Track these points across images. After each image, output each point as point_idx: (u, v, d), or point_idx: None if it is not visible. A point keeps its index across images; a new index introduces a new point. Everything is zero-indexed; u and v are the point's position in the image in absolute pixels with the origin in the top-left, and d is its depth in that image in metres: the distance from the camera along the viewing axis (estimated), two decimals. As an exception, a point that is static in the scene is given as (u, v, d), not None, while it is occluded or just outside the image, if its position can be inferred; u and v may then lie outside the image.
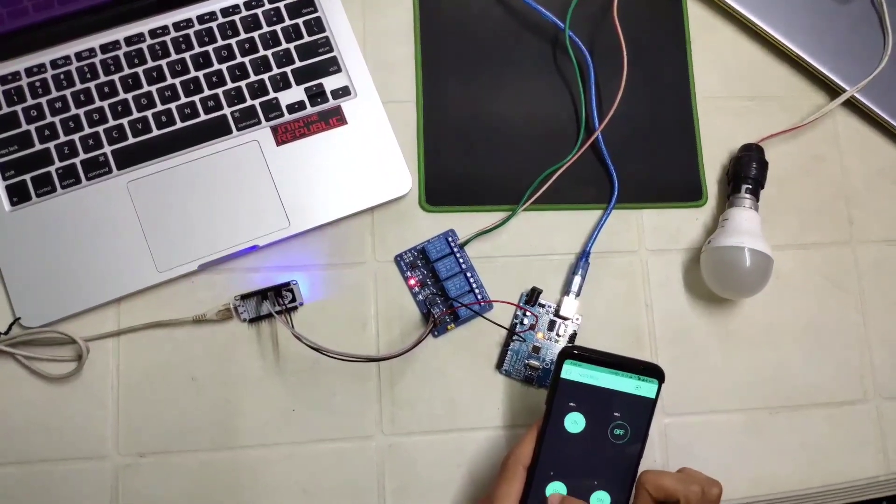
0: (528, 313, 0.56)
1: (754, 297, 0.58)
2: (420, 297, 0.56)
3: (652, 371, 0.47)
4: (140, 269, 0.53)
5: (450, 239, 0.57)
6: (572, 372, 0.47)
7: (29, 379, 0.52)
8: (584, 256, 0.57)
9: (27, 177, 0.54)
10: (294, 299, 0.54)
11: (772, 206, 0.60)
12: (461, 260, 0.56)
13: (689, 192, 0.60)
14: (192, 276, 0.54)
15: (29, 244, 0.53)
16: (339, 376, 0.54)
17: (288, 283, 0.54)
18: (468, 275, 0.56)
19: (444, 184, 0.58)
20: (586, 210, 0.59)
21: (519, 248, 0.58)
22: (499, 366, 0.56)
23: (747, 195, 0.58)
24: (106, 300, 0.53)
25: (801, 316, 0.60)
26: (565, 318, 0.56)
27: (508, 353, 0.56)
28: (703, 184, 0.61)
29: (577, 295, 0.57)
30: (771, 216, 0.60)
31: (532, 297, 0.57)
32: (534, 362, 0.55)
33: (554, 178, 0.58)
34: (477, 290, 0.56)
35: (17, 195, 0.54)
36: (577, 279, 0.57)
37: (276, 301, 0.53)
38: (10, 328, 0.52)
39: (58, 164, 0.54)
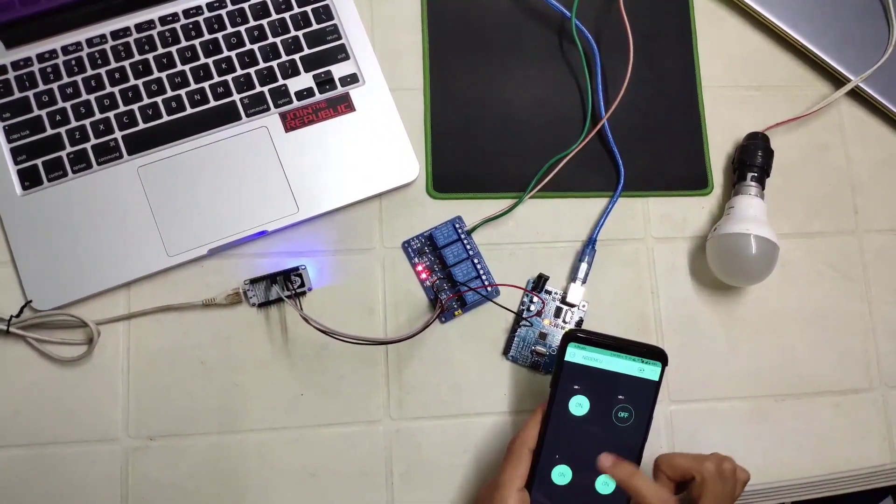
0: (535, 299, 0.57)
1: (760, 285, 0.58)
2: (427, 283, 0.56)
3: (655, 353, 0.47)
4: (150, 253, 0.54)
5: (457, 225, 0.57)
6: (576, 355, 0.47)
7: (40, 362, 0.53)
8: (590, 244, 0.58)
9: (39, 161, 0.55)
10: (303, 284, 0.54)
11: (777, 195, 0.61)
12: (468, 246, 0.57)
13: (695, 181, 0.61)
14: (202, 261, 0.55)
15: (40, 228, 0.54)
16: (346, 361, 0.55)
17: (297, 269, 0.54)
18: (475, 261, 0.56)
19: (451, 171, 0.58)
20: (592, 198, 0.59)
21: (525, 236, 0.58)
22: (505, 352, 0.56)
23: (753, 183, 0.58)
24: (116, 284, 0.53)
25: (807, 304, 0.60)
26: (572, 305, 0.57)
27: (515, 339, 0.56)
28: (708, 172, 0.61)
29: (584, 282, 0.57)
30: (776, 205, 0.60)
31: (539, 283, 0.57)
32: (540, 348, 0.56)
33: (560, 165, 0.58)
34: (484, 276, 0.56)
35: (29, 179, 0.54)
36: (583, 266, 0.57)
37: (285, 286, 0.54)
38: (21, 311, 0.52)
39: (69, 148, 0.55)
